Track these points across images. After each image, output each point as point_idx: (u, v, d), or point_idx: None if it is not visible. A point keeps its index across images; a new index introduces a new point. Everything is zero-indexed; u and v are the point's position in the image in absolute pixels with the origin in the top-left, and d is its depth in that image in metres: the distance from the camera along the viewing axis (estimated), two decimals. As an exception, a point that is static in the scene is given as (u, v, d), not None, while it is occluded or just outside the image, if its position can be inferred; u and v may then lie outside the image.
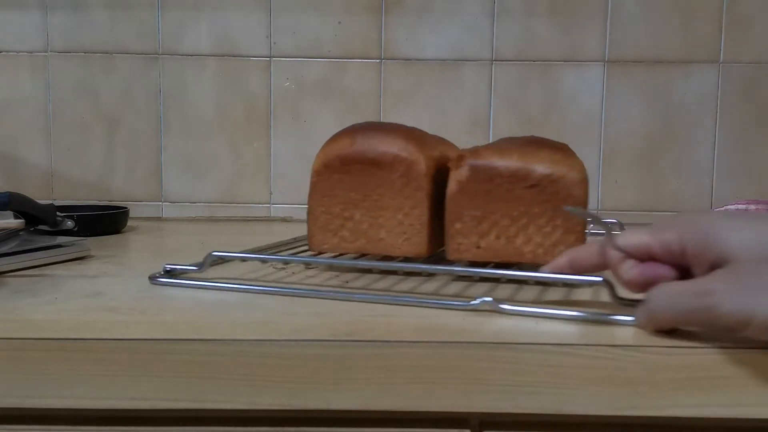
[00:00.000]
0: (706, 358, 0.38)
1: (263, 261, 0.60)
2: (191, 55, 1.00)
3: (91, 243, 0.67)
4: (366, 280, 0.56)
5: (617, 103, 1.00)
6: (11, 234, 0.63)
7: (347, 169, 0.57)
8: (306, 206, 0.59)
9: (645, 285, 0.39)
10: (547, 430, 0.41)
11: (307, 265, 0.61)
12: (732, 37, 0.99)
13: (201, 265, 0.54)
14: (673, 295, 0.36)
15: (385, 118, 1.00)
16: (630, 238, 0.40)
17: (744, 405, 0.38)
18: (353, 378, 0.38)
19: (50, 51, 0.99)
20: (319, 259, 0.60)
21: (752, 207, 0.79)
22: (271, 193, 1.01)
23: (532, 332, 0.40)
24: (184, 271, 0.54)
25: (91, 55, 1.00)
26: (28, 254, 0.60)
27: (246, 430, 0.41)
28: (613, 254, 0.41)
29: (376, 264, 0.56)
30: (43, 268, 0.60)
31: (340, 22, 0.99)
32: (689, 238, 0.37)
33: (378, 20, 0.99)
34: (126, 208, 0.87)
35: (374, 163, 0.57)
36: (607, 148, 1.00)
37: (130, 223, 0.89)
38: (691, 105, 1.00)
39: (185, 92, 1.00)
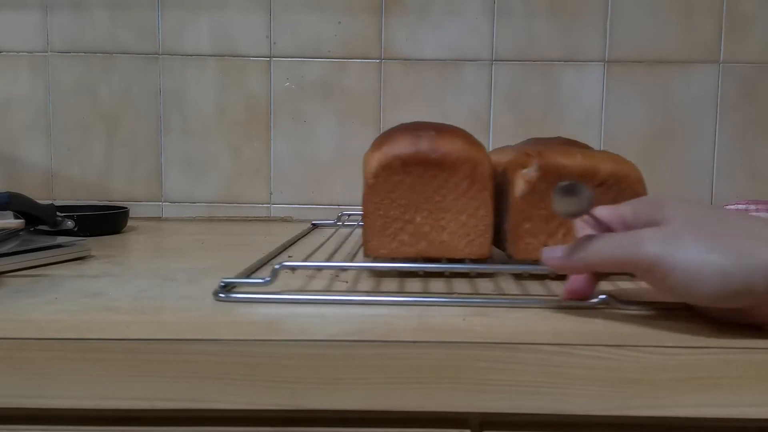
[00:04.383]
0: (706, 358, 0.38)
1: (340, 270, 0.57)
2: (191, 55, 1.00)
3: (91, 243, 0.67)
4: (426, 284, 0.54)
5: (617, 103, 1.00)
6: (11, 234, 0.63)
7: (408, 171, 0.55)
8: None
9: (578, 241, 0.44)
10: (547, 430, 0.41)
11: (372, 272, 0.57)
12: (732, 37, 0.99)
13: (269, 278, 0.49)
14: (608, 239, 0.41)
15: (385, 118, 1.00)
16: (599, 211, 0.46)
17: (744, 405, 0.38)
18: (353, 378, 0.38)
19: (50, 51, 0.99)
20: (392, 264, 0.54)
21: (752, 207, 0.79)
22: (271, 193, 1.01)
23: (532, 332, 0.40)
24: (248, 285, 0.50)
25: (91, 55, 1.00)
26: (28, 254, 0.60)
27: (246, 430, 0.41)
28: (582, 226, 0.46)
29: (447, 267, 0.53)
30: (43, 268, 0.60)
31: (340, 22, 0.99)
32: (641, 209, 0.43)
33: (378, 20, 0.99)
34: (126, 208, 0.87)
35: (438, 165, 0.55)
36: (607, 148, 1.00)
37: (130, 223, 0.89)
38: (691, 105, 1.00)
39: (185, 92, 1.00)
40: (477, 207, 0.56)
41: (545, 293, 0.51)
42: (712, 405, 0.38)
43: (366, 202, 0.56)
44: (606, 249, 0.41)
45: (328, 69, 1.00)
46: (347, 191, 1.01)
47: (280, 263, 0.50)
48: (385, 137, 0.58)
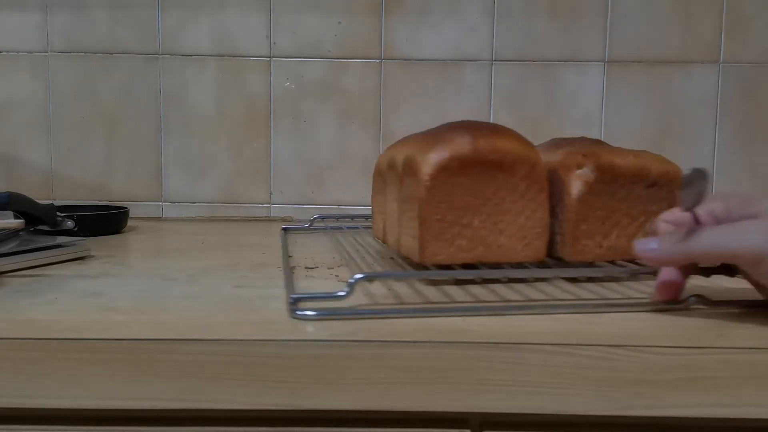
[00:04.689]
0: (706, 358, 0.38)
1: (414, 279, 0.54)
2: (191, 55, 1.00)
3: (91, 243, 0.67)
4: (489, 291, 0.52)
5: (617, 103, 1.00)
6: (11, 234, 0.63)
7: (467, 173, 0.53)
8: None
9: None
10: (547, 430, 0.41)
11: (429, 280, 0.54)
12: (732, 37, 0.99)
13: (346, 292, 0.45)
14: (710, 231, 0.41)
15: (385, 119, 1.00)
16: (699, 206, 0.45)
17: (744, 405, 0.38)
18: (353, 378, 0.38)
19: (50, 51, 0.99)
20: (474, 271, 0.51)
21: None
22: (271, 193, 1.01)
23: (532, 332, 0.40)
24: (321, 298, 0.46)
25: (91, 55, 1.00)
26: (28, 254, 0.60)
27: (246, 430, 0.41)
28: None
29: (509, 272, 0.52)
30: (43, 268, 0.60)
31: (340, 22, 0.99)
32: (733, 203, 0.43)
33: (378, 20, 0.99)
34: (126, 208, 0.87)
35: (497, 165, 0.53)
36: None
37: (130, 223, 0.89)
38: (691, 105, 1.00)
39: (185, 92, 1.00)
40: (534, 209, 0.54)
41: (620, 296, 0.50)
42: (712, 405, 0.38)
43: (424, 206, 0.52)
44: (709, 240, 0.41)
45: (328, 69, 1.00)
46: (347, 191, 1.01)
47: (355, 276, 0.46)
48: (437, 137, 0.55)
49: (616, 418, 0.39)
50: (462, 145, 0.52)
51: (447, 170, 0.52)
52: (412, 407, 0.39)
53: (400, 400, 0.39)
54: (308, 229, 0.88)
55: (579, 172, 0.55)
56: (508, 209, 0.54)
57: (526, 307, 0.46)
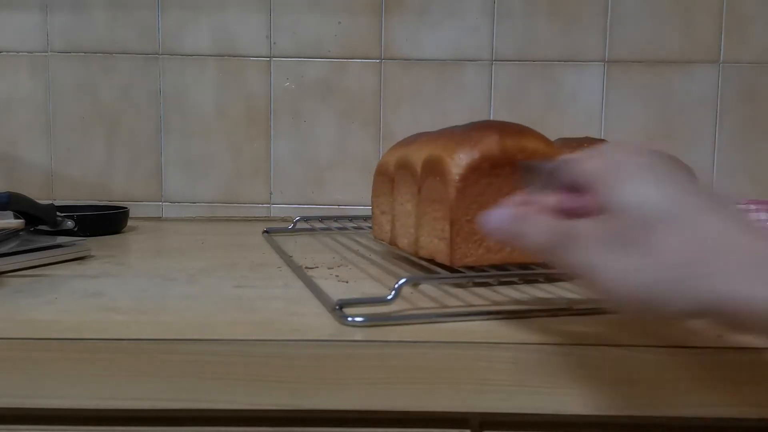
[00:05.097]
0: (706, 358, 0.38)
1: (463, 284, 0.53)
2: (191, 55, 1.00)
3: (91, 243, 0.67)
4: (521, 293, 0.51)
5: (617, 103, 1.00)
6: (11, 234, 0.63)
7: (496, 173, 0.52)
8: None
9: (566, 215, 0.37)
10: (547, 430, 0.41)
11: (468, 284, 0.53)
12: (732, 37, 0.99)
13: (392, 296, 0.44)
14: (543, 224, 0.35)
15: (385, 119, 1.00)
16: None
17: (744, 405, 0.38)
18: (353, 378, 0.38)
19: (50, 51, 0.99)
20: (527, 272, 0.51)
21: (753, 207, 0.79)
22: (271, 193, 1.01)
23: (531, 332, 0.40)
24: (366, 302, 0.45)
25: (91, 55, 1.00)
26: (28, 254, 0.60)
27: (246, 430, 0.41)
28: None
29: (548, 272, 0.51)
30: (43, 268, 0.60)
31: (340, 22, 0.99)
32: (593, 173, 0.35)
33: (378, 20, 0.99)
34: (126, 208, 0.87)
35: None
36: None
37: (130, 223, 0.89)
38: (691, 105, 1.00)
39: (185, 92, 1.00)
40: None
41: None
42: (712, 405, 0.38)
43: (454, 208, 0.51)
44: (542, 237, 0.35)
45: (328, 69, 1.00)
46: (347, 191, 1.01)
47: (400, 279, 0.45)
48: (463, 137, 0.53)
49: (616, 418, 0.39)
50: (490, 145, 0.52)
51: (477, 171, 0.51)
52: (412, 407, 0.39)
53: (400, 400, 0.39)
54: (291, 231, 0.85)
55: None
56: None
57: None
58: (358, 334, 0.40)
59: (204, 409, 0.39)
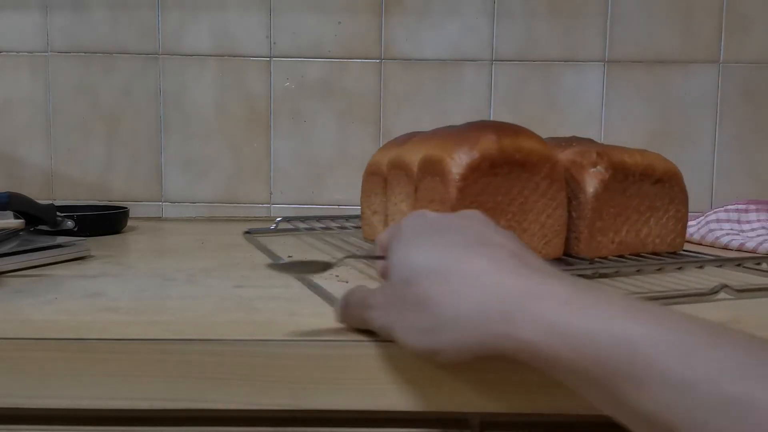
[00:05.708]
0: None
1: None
2: (191, 55, 1.00)
3: (91, 243, 0.67)
4: None
5: (617, 103, 1.00)
6: (11, 234, 0.63)
7: (495, 172, 0.52)
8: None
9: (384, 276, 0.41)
10: (546, 430, 0.41)
11: None
12: (732, 37, 0.99)
13: None
14: (351, 302, 0.39)
15: (385, 118, 1.00)
16: (380, 235, 0.42)
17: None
18: (353, 378, 0.38)
19: (50, 51, 0.99)
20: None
21: (752, 207, 0.79)
22: (271, 193, 1.01)
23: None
24: None
25: (91, 55, 1.00)
26: (28, 254, 0.60)
27: (246, 430, 0.41)
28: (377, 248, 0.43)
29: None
30: (43, 268, 0.60)
31: (340, 22, 0.99)
32: (385, 243, 0.39)
33: (378, 20, 0.99)
34: (126, 208, 0.87)
35: (521, 165, 0.53)
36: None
37: (130, 223, 0.89)
38: (691, 105, 1.00)
39: (185, 92, 1.00)
40: (555, 207, 0.55)
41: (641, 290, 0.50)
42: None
43: (455, 208, 0.51)
44: (351, 313, 0.39)
45: (328, 69, 1.00)
46: (347, 191, 1.01)
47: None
48: (460, 136, 0.54)
49: (616, 418, 0.39)
50: (489, 144, 0.52)
51: (477, 170, 0.52)
52: (412, 407, 0.39)
53: (400, 400, 0.38)
54: (274, 231, 0.83)
55: (593, 170, 0.56)
56: (531, 208, 0.54)
57: None
58: (359, 334, 0.40)
59: (204, 409, 0.39)
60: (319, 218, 0.90)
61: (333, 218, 0.89)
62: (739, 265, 0.58)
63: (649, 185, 0.58)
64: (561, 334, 0.28)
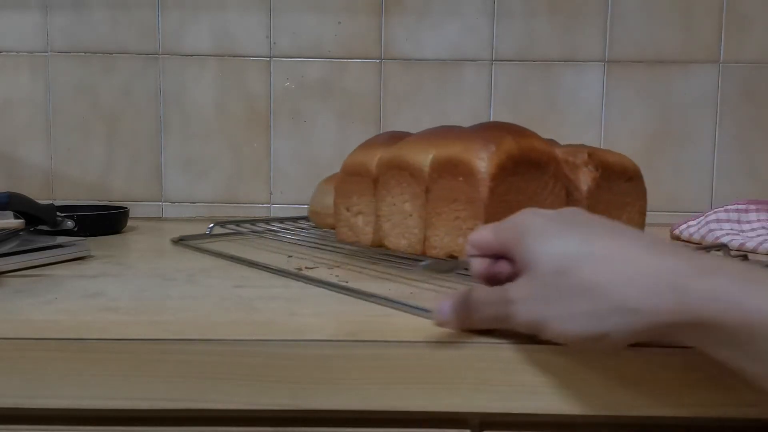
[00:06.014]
0: (705, 358, 0.38)
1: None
2: (191, 55, 1.00)
3: (91, 243, 0.67)
4: None
5: (617, 103, 1.00)
6: (11, 234, 0.63)
7: (516, 171, 0.54)
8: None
9: (488, 280, 0.40)
10: (546, 430, 0.41)
11: None
12: (732, 37, 0.99)
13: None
14: (482, 302, 0.38)
15: (385, 118, 1.00)
16: (475, 236, 0.41)
17: (743, 405, 0.38)
18: (353, 378, 0.38)
19: (50, 51, 0.99)
20: None
21: (752, 207, 0.79)
22: (271, 193, 1.01)
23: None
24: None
25: (91, 55, 1.00)
26: (28, 254, 0.60)
27: (246, 430, 0.41)
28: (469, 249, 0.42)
29: None
30: (43, 268, 0.60)
31: (340, 22, 0.99)
32: (508, 241, 0.38)
33: (378, 20, 0.99)
34: (126, 208, 0.87)
35: (536, 164, 0.55)
36: (607, 148, 1.00)
37: (130, 223, 0.89)
38: (691, 105, 1.00)
39: (185, 92, 1.00)
40: (559, 204, 0.56)
41: None
42: (710, 405, 0.38)
43: (488, 207, 0.52)
44: (485, 314, 0.38)
45: (328, 69, 1.00)
46: (347, 191, 1.01)
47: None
48: (479, 137, 0.55)
49: (616, 418, 0.39)
50: (510, 144, 0.54)
51: (505, 169, 0.53)
52: (412, 407, 0.39)
53: (400, 400, 0.39)
54: (208, 236, 0.78)
55: (586, 169, 0.58)
56: (542, 206, 0.55)
57: None
58: (357, 335, 0.40)
59: (204, 409, 0.39)
60: (253, 221, 0.85)
61: (267, 221, 0.86)
62: None
63: (624, 182, 0.61)
64: (740, 310, 0.29)
